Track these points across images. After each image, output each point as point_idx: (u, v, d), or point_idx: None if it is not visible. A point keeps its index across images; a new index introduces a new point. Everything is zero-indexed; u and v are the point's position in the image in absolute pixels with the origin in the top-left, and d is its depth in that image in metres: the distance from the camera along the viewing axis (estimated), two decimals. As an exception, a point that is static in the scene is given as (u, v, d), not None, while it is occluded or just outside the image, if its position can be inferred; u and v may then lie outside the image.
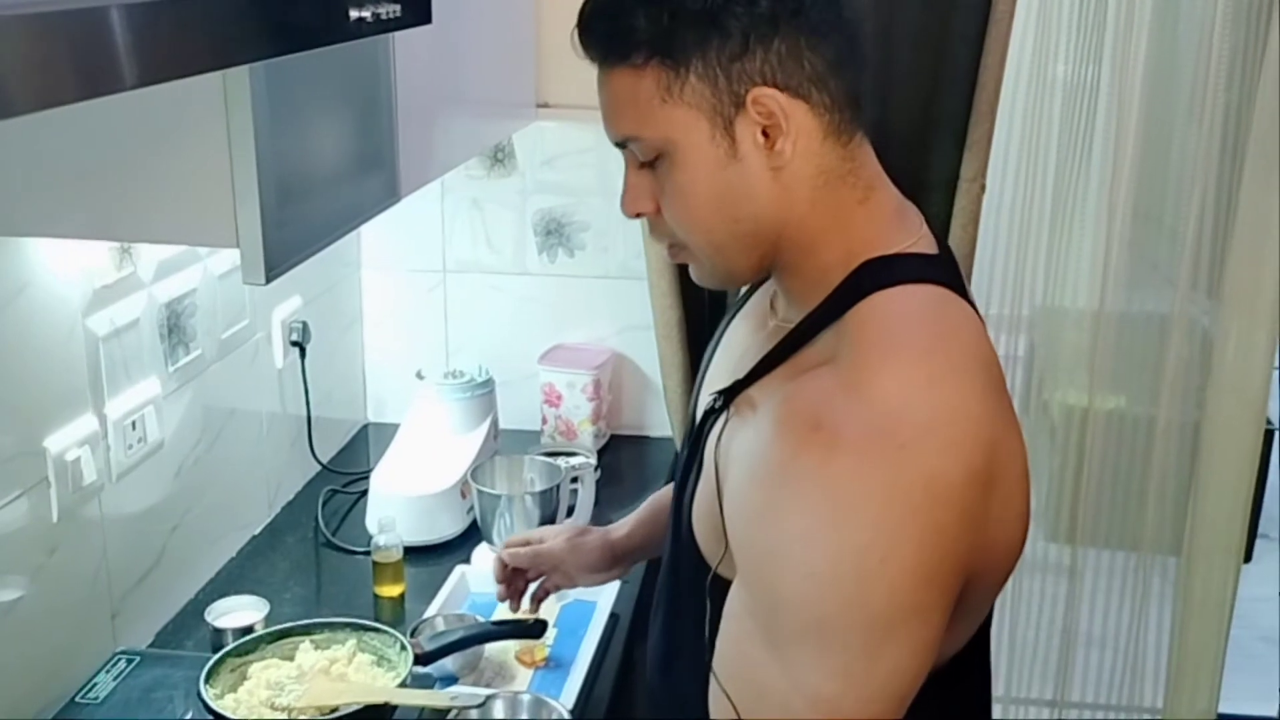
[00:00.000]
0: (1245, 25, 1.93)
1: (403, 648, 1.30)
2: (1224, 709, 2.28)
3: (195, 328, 1.58)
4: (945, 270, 0.94)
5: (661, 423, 2.08)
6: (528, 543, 1.38)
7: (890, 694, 0.82)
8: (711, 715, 0.89)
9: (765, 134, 0.88)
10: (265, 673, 1.29)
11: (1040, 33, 1.95)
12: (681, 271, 1.95)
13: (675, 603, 1.04)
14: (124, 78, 0.60)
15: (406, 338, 2.17)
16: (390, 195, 1.29)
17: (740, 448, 0.89)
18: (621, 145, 0.94)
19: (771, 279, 1.02)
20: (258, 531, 1.79)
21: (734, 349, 1.05)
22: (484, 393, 1.88)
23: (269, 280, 1.02)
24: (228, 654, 1.29)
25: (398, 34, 0.94)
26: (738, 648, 0.87)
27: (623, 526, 1.37)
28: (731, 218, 0.91)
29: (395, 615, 1.60)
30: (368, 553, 1.66)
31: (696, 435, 0.98)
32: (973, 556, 0.84)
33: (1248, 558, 2.55)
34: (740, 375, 0.94)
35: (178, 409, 1.55)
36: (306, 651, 1.32)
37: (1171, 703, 2.26)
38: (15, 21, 0.52)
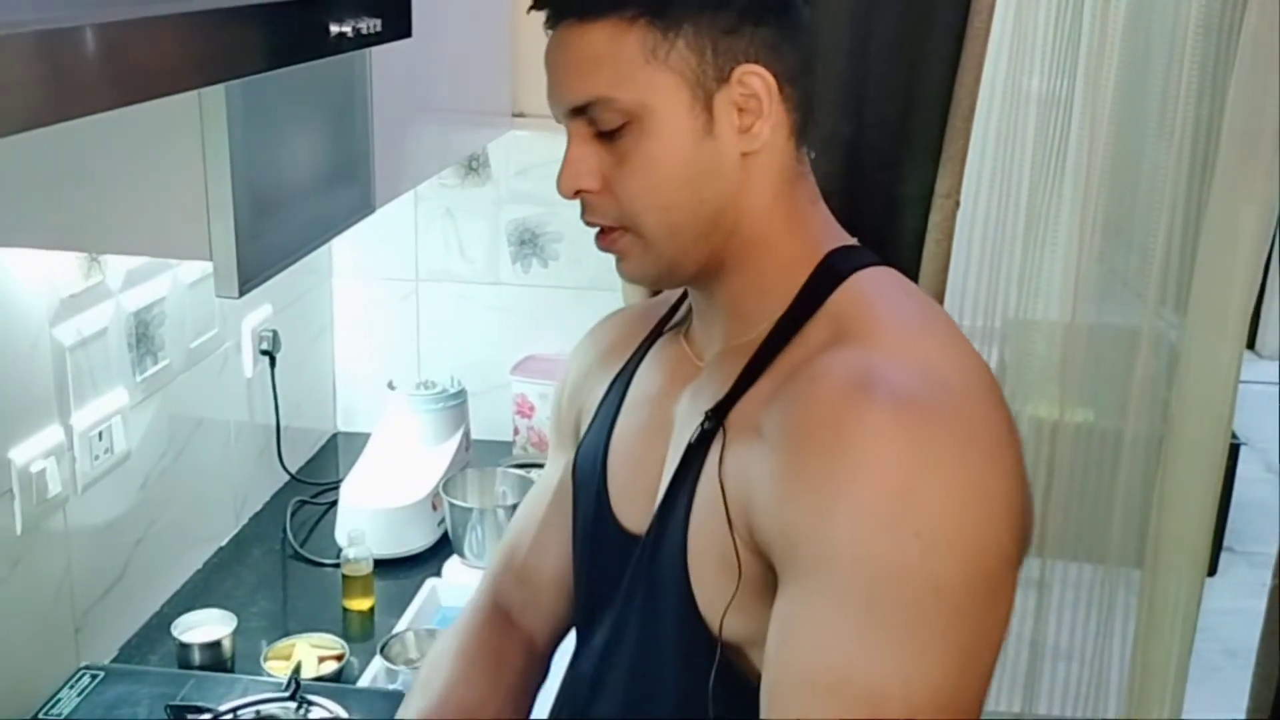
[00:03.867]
0: (1215, 42, 1.95)
1: None
2: (1186, 721, 2.30)
3: (164, 337, 1.56)
4: None
5: (634, 434, 2.07)
6: None
7: (988, 672, 0.77)
8: None
9: (739, 116, 0.86)
10: None
11: (1015, 49, 1.96)
12: (656, 283, 1.95)
13: (650, 665, 0.92)
14: (102, 98, 0.58)
15: (378, 347, 2.15)
16: (364, 207, 1.27)
17: (759, 458, 0.81)
18: (579, 111, 0.87)
19: (665, 325, 1.01)
20: (224, 543, 1.76)
21: (661, 409, 0.95)
22: (456, 403, 1.87)
23: (243, 293, 1.00)
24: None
25: (375, 47, 0.92)
26: (819, 659, 0.74)
27: None
28: (697, 197, 0.87)
29: (365, 629, 1.58)
30: (337, 565, 1.64)
31: (672, 488, 0.89)
32: (1025, 502, 0.80)
33: (1212, 571, 2.58)
34: (717, 398, 0.87)
35: (144, 419, 1.53)
36: None
37: (1134, 715, 2.28)
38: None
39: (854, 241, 0.93)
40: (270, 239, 1.04)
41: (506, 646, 1.09)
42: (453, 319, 2.12)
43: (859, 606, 0.74)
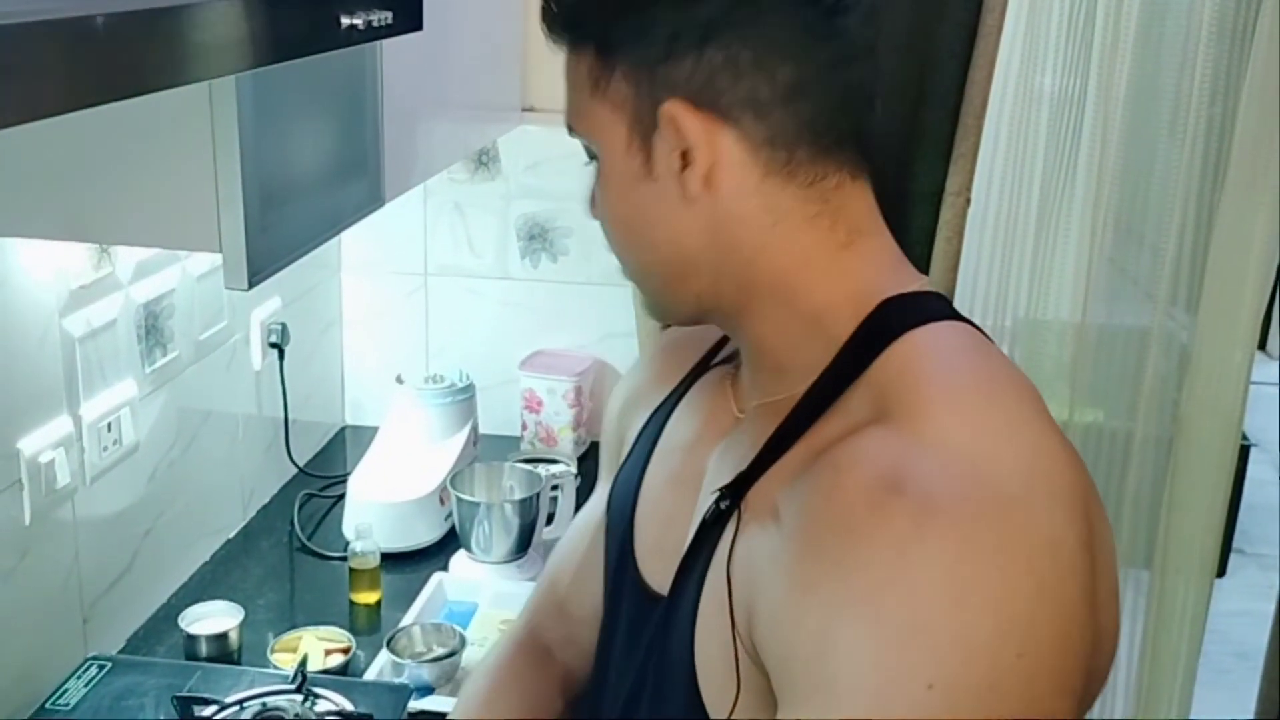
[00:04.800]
0: (1228, 43, 1.94)
1: None
2: (1194, 723, 2.29)
3: (173, 329, 1.56)
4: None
5: (642, 430, 2.07)
6: None
7: None
8: None
9: (683, 157, 0.74)
10: None
11: (1028, 46, 1.95)
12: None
13: None
14: (112, 89, 0.58)
15: (386, 341, 2.15)
16: (374, 200, 1.27)
17: (771, 550, 0.69)
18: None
19: (721, 351, 0.91)
20: (232, 536, 1.77)
21: (693, 454, 0.85)
22: (464, 398, 1.87)
23: (251, 285, 1.00)
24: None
25: (385, 39, 0.92)
26: None
27: None
28: (644, 242, 0.78)
29: (371, 623, 1.58)
30: (344, 558, 1.64)
31: (690, 555, 0.78)
32: (1091, 648, 0.66)
33: (1221, 572, 2.57)
34: (738, 468, 0.76)
35: (153, 411, 1.53)
36: None
37: (1142, 717, 2.27)
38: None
39: (921, 285, 0.78)
40: (279, 231, 1.04)
41: (542, 682, 1.03)
42: (461, 314, 2.12)
43: None
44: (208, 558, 1.70)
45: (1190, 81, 1.97)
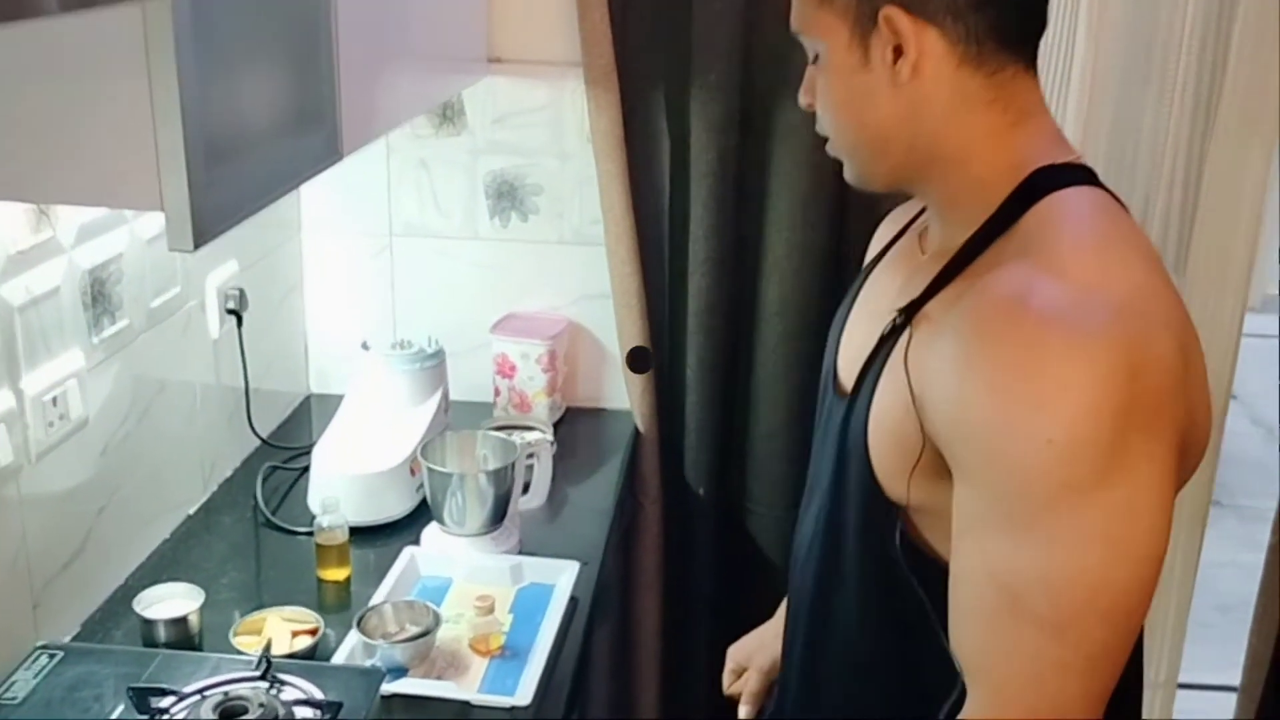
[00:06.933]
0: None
1: None
2: (1182, 679, 2.27)
3: (121, 295, 1.47)
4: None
5: (619, 395, 2.00)
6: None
7: (1154, 554, 0.86)
8: (965, 627, 0.92)
9: (895, 52, 0.96)
10: None
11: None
12: (641, 238, 1.88)
13: (835, 538, 1.07)
14: (37, 4, 0.50)
15: (351, 305, 2.07)
16: (331, 154, 1.19)
17: (940, 351, 0.92)
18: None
19: (916, 221, 1.14)
20: (192, 512, 1.69)
21: (885, 290, 1.09)
22: (433, 364, 1.80)
23: (197, 247, 0.92)
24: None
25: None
26: (978, 558, 0.89)
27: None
28: (858, 123, 1.00)
29: (340, 601, 1.52)
30: (310, 533, 1.58)
31: (867, 364, 1.02)
32: (1183, 426, 0.89)
33: (1203, 526, 2.54)
34: (914, 296, 0.99)
35: (104, 383, 1.45)
36: None
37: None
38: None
39: (1071, 158, 0.99)
40: (227, 187, 0.96)
41: None
42: (429, 276, 2.04)
43: (1002, 509, 0.87)
44: (167, 535, 1.62)
45: (1180, 30, 1.91)
